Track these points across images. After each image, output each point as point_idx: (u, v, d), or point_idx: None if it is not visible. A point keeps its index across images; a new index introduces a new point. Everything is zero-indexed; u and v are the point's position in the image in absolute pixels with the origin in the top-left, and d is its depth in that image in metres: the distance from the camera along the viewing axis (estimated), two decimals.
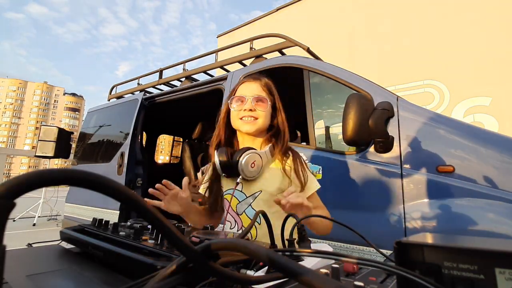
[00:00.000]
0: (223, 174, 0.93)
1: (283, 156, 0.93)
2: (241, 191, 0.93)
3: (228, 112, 0.98)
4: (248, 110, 0.92)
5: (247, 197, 0.91)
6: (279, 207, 0.77)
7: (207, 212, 0.99)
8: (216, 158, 0.91)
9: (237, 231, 0.89)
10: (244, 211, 0.91)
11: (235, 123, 0.96)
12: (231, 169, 0.89)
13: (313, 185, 0.94)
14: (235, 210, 0.92)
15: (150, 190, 0.83)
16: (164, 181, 0.84)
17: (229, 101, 0.97)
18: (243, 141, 0.99)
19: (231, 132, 1.00)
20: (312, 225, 0.86)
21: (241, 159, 0.86)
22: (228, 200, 0.93)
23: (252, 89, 0.95)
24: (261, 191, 0.90)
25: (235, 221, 0.92)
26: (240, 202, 0.92)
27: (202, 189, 1.01)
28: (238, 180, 0.88)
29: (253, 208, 0.90)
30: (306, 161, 0.98)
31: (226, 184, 0.97)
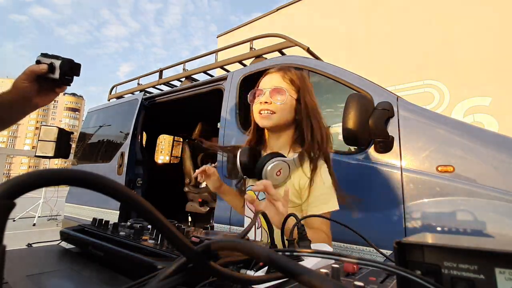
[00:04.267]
0: (244, 177, 0.88)
1: (312, 166, 0.82)
2: None
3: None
4: (264, 103, 0.84)
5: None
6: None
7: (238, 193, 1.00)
8: (238, 159, 0.86)
9: (257, 228, 0.86)
10: None
11: (255, 117, 0.89)
12: (253, 172, 0.83)
13: (324, 205, 0.80)
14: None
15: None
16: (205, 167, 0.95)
17: (248, 95, 0.89)
18: (268, 138, 0.93)
19: (261, 129, 0.93)
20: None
21: (266, 166, 0.79)
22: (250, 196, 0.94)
23: (272, 80, 0.88)
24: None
25: None
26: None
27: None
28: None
29: None
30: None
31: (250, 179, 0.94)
